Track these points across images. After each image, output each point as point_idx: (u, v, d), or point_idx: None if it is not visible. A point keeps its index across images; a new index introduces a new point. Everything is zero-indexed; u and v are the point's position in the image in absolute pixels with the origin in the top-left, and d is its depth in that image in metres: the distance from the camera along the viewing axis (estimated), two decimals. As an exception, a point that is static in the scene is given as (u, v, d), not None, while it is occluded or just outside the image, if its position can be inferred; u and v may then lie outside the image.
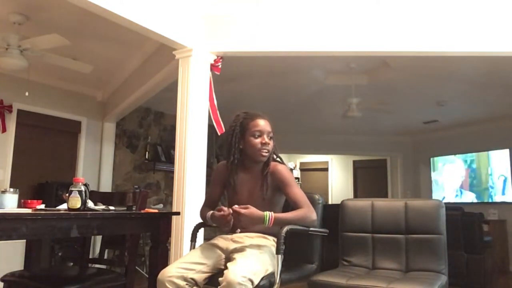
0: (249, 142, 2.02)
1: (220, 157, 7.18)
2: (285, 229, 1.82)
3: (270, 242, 1.96)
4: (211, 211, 1.98)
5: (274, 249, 1.88)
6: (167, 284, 1.74)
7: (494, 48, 3.21)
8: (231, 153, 2.03)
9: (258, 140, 2.01)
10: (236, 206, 1.84)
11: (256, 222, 1.84)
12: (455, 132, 7.41)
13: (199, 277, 1.81)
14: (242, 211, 1.81)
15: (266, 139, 2.02)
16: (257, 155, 2.02)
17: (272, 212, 1.86)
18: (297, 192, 1.97)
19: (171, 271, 1.77)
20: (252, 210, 1.83)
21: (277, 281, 1.77)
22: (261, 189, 2.01)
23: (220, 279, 1.66)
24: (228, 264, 1.73)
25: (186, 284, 1.76)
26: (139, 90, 4.61)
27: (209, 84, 3.43)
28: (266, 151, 2.02)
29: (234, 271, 1.65)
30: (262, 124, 2.04)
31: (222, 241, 2.00)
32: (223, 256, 1.93)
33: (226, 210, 1.87)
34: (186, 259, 1.86)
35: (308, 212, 1.91)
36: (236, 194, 2.06)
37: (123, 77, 5.08)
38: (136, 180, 6.11)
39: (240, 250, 1.86)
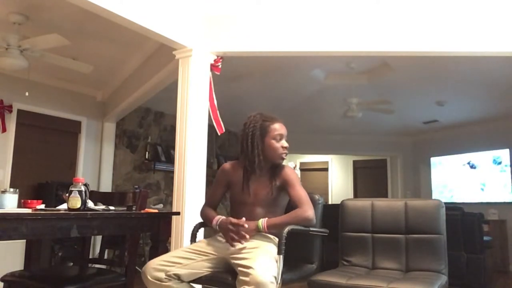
0: (271, 145, 2.05)
1: (220, 157, 7.18)
2: (286, 229, 1.83)
3: (272, 241, 1.96)
4: (220, 217, 1.99)
5: (275, 248, 1.89)
6: (147, 276, 1.83)
7: (494, 48, 3.21)
8: (254, 155, 2.03)
9: (280, 144, 2.07)
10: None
11: (252, 232, 1.90)
12: (455, 132, 7.41)
13: (185, 272, 1.84)
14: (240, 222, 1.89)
15: (286, 143, 2.08)
16: (277, 157, 2.07)
17: (266, 218, 1.92)
18: (300, 193, 1.99)
19: (153, 264, 1.85)
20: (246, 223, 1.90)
21: (278, 281, 1.77)
22: (268, 189, 2.04)
23: (242, 278, 1.66)
24: (246, 263, 1.71)
25: (165, 278, 1.81)
26: (139, 90, 4.61)
27: (209, 84, 3.43)
28: (285, 154, 2.09)
29: (261, 271, 1.64)
30: (282, 127, 2.10)
31: (220, 239, 2.00)
32: (218, 255, 1.94)
33: (242, 221, 1.89)
34: (173, 254, 1.92)
35: (304, 212, 1.92)
36: (243, 193, 2.07)
37: (123, 77, 5.08)
38: (136, 180, 6.11)
39: (249, 251, 1.85)
